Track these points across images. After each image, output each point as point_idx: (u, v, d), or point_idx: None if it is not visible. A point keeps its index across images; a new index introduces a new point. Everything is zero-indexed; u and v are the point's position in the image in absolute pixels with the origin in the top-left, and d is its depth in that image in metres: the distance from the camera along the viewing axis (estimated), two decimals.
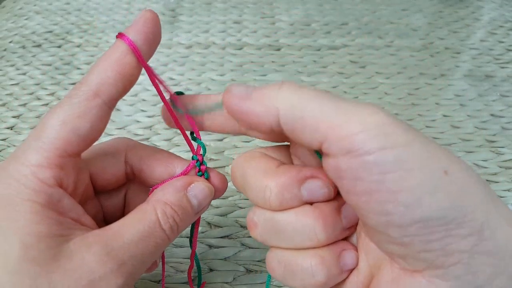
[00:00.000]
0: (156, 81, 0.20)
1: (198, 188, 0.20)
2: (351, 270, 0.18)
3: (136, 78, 0.19)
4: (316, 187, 0.17)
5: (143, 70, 0.19)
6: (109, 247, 0.17)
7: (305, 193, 0.17)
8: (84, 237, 0.17)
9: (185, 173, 0.21)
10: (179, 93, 0.21)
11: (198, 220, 0.23)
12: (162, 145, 0.38)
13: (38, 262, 0.15)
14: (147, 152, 0.22)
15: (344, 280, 0.18)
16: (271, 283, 0.28)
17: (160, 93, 0.20)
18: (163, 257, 0.23)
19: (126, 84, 0.18)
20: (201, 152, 0.21)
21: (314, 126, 0.15)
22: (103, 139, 0.38)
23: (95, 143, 0.19)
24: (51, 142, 0.17)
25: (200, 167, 0.21)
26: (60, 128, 0.17)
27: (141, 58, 0.18)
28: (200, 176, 0.21)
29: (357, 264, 0.18)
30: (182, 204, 0.20)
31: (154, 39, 0.18)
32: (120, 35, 0.18)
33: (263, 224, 0.18)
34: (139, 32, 0.18)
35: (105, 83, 0.17)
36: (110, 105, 0.18)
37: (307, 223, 0.17)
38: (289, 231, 0.18)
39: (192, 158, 0.21)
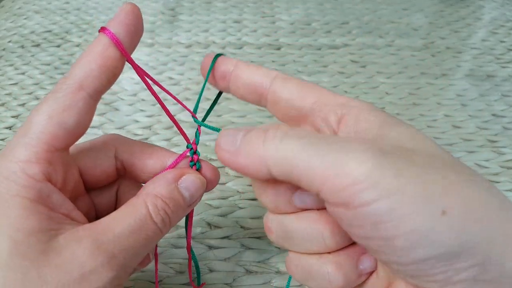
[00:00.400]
0: (145, 77, 0.20)
1: (189, 179, 0.20)
2: (371, 273, 0.18)
3: (120, 71, 0.19)
4: (305, 196, 0.17)
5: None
6: (99, 240, 0.17)
7: (296, 200, 0.18)
8: (74, 231, 0.17)
9: (177, 162, 0.21)
10: (220, 55, 0.21)
11: (191, 213, 0.23)
12: (162, 145, 0.37)
13: (28, 257, 0.16)
14: (138, 146, 0.22)
15: (365, 281, 0.18)
16: (271, 283, 0.28)
17: (145, 82, 0.20)
18: (156, 255, 0.23)
19: (109, 77, 0.18)
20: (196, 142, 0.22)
21: (306, 179, 0.15)
22: None
23: (83, 139, 0.19)
24: (38, 137, 0.17)
25: (193, 156, 0.21)
26: (47, 123, 0.17)
27: (123, 50, 0.18)
28: (192, 166, 0.21)
29: (376, 267, 0.18)
30: (173, 196, 0.19)
31: (135, 31, 0.19)
32: (102, 29, 0.18)
33: (276, 229, 0.19)
34: (120, 25, 0.18)
35: (89, 76, 0.18)
36: (95, 98, 0.18)
37: (314, 229, 0.17)
38: (298, 236, 0.18)
39: (187, 147, 0.21)
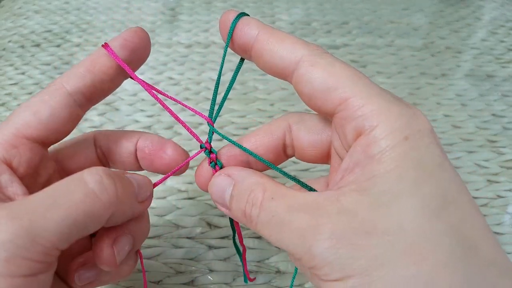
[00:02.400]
0: (143, 82, 0.20)
1: (136, 175, 0.20)
2: None
3: (110, 78, 0.19)
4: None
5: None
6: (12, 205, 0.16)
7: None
8: None
9: (192, 158, 0.21)
10: (242, 15, 0.19)
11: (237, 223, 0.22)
12: None
13: None
14: (114, 132, 0.22)
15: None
16: (271, 283, 0.28)
17: (144, 86, 0.20)
18: (140, 256, 0.22)
19: (95, 80, 0.19)
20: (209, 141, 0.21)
21: (284, 248, 0.17)
22: None
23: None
24: (13, 122, 0.18)
25: (210, 156, 0.20)
26: (23, 111, 0.18)
27: (116, 57, 0.19)
28: (214, 166, 0.20)
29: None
30: (117, 173, 0.19)
31: (134, 48, 0.20)
32: (103, 45, 0.19)
33: None
34: (118, 40, 0.19)
35: (73, 76, 0.19)
36: (75, 97, 0.19)
37: None
38: None
39: (200, 147, 0.21)
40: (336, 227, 0.15)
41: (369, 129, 0.16)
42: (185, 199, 0.33)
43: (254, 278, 0.27)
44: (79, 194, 0.16)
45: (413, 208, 0.14)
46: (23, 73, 0.46)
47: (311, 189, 0.19)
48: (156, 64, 0.47)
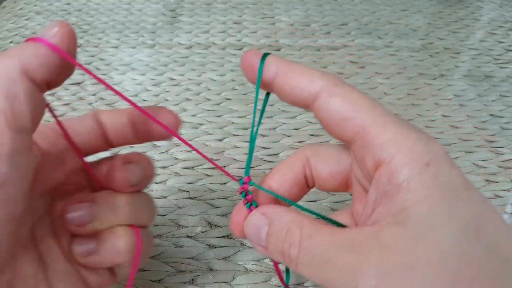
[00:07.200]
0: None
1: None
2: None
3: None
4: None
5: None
6: None
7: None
8: None
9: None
10: (267, 54, 0.20)
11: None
12: (163, 144, 0.38)
13: None
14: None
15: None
16: (269, 282, 0.28)
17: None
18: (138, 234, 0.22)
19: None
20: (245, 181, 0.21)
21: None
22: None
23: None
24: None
25: (246, 198, 0.21)
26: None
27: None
28: (249, 207, 0.20)
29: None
30: None
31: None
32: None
33: None
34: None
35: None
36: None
37: None
38: None
39: (240, 183, 0.21)
40: (380, 264, 0.15)
41: (388, 157, 0.16)
42: (185, 198, 0.33)
43: None
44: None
45: (452, 235, 0.15)
46: None
47: (339, 225, 0.19)
48: (156, 65, 0.47)
